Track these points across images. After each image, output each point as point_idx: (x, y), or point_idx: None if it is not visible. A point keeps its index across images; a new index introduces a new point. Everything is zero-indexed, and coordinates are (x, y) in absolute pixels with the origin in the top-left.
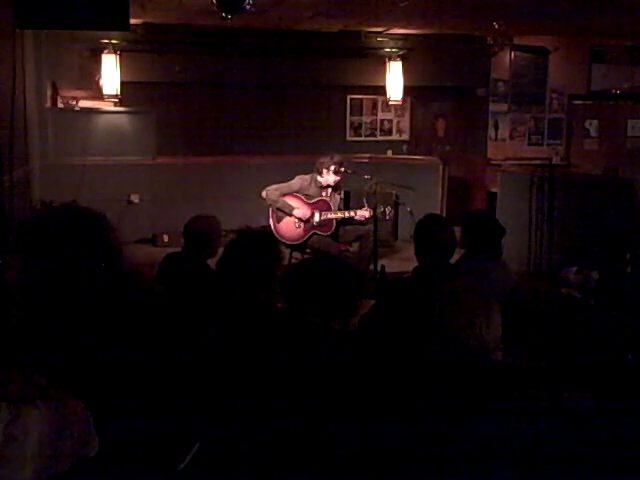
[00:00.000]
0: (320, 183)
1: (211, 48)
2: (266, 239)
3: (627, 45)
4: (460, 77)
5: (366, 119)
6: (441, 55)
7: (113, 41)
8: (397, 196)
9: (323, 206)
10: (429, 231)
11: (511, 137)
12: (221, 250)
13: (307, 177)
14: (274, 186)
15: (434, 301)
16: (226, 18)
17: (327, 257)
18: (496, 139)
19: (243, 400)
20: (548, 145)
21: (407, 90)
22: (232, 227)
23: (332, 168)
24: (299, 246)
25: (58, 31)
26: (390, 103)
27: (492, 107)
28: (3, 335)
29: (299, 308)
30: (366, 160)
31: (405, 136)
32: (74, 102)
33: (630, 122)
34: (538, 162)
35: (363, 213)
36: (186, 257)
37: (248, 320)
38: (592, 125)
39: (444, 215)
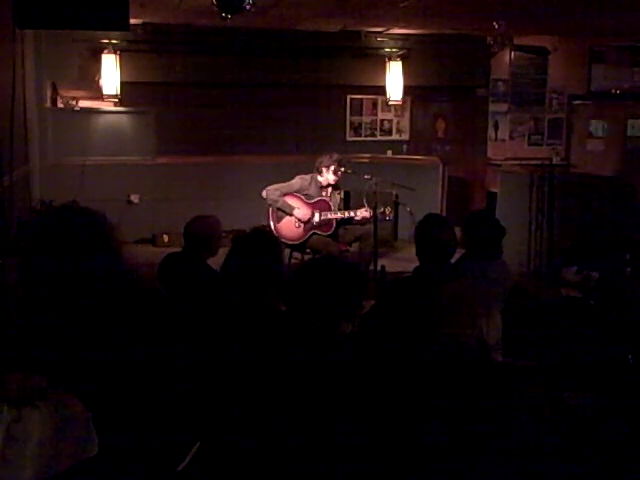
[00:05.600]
0: (320, 183)
1: (211, 48)
2: (267, 239)
3: (627, 45)
4: (460, 77)
5: (366, 119)
6: (441, 55)
7: (113, 41)
8: (397, 196)
9: (323, 206)
10: (429, 231)
11: (511, 137)
12: (223, 251)
13: (307, 177)
14: (274, 186)
15: (434, 301)
16: (226, 18)
17: (329, 258)
18: (496, 139)
19: (243, 400)
20: (548, 145)
21: (407, 90)
22: (232, 227)
23: (332, 167)
24: (299, 246)
25: (58, 31)
26: (390, 103)
27: (492, 107)
28: (3, 335)
29: (304, 311)
30: (366, 160)
31: (405, 136)
32: (74, 102)
33: (630, 122)
34: (538, 162)
35: (363, 213)
36: (186, 257)
37: (251, 322)
38: (596, 125)
39: (444, 215)
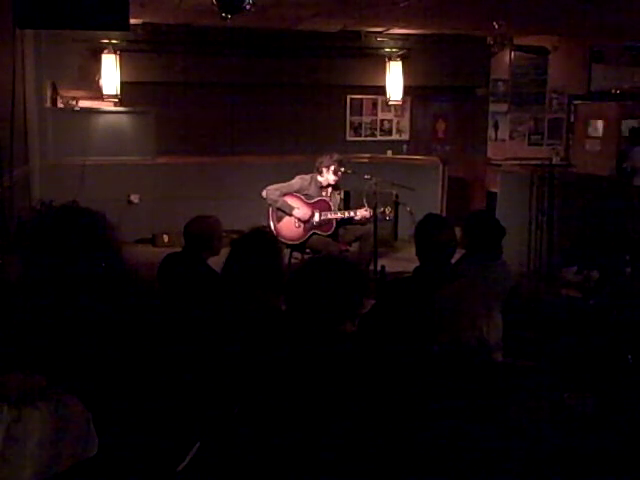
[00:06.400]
0: (320, 183)
1: (211, 48)
2: (266, 239)
3: (627, 45)
4: (460, 77)
5: (366, 119)
6: (441, 55)
7: (113, 41)
8: (397, 196)
9: (323, 206)
10: (429, 231)
11: (511, 137)
12: (223, 251)
13: (307, 177)
14: (274, 186)
15: (434, 301)
16: (226, 18)
17: (329, 258)
18: (496, 139)
19: (244, 400)
20: (548, 145)
21: (407, 90)
22: (232, 227)
23: (332, 167)
24: (299, 246)
25: (58, 31)
26: (390, 103)
27: (492, 107)
28: (3, 335)
29: (304, 311)
30: (366, 160)
31: (405, 136)
32: (74, 102)
33: (625, 122)
34: (538, 162)
35: (363, 213)
36: (186, 257)
37: (251, 323)
38: (595, 125)
39: (444, 215)
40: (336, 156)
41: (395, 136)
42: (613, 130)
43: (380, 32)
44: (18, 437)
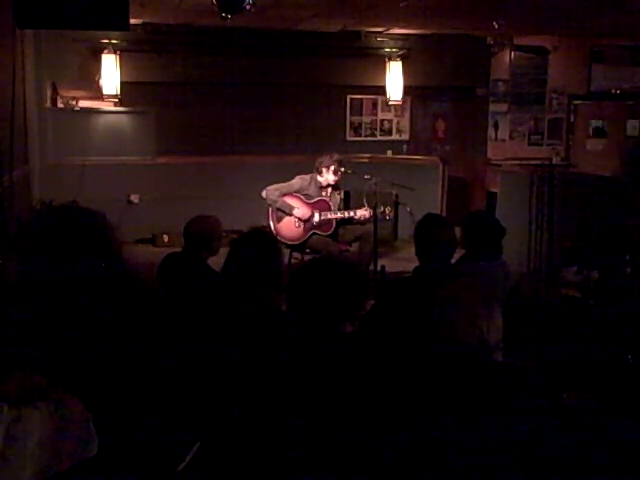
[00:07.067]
0: (320, 183)
1: (211, 48)
2: (266, 240)
3: (627, 45)
4: (460, 77)
5: (366, 119)
6: (441, 55)
7: (113, 41)
8: (397, 196)
9: (323, 206)
10: (429, 231)
11: (511, 137)
12: (223, 251)
13: (307, 177)
14: (274, 186)
15: (435, 301)
16: (226, 18)
17: (330, 258)
18: (496, 139)
19: (244, 400)
20: (548, 145)
21: (407, 90)
22: (232, 227)
23: (332, 167)
24: (299, 246)
25: (58, 31)
26: (390, 103)
27: (492, 107)
28: (3, 335)
29: (304, 311)
30: (366, 160)
31: (405, 136)
32: (74, 102)
33: (630, 122)
34: (538, 162)
35: (363, 213)
36: (186, 257)
37: (251, 323)
38: (596, 125)
39: (444, 215)
40: (336, 156)
41: (395, 136)
42: (618, 130)
43: (380, 32)
44: (18, 437)
